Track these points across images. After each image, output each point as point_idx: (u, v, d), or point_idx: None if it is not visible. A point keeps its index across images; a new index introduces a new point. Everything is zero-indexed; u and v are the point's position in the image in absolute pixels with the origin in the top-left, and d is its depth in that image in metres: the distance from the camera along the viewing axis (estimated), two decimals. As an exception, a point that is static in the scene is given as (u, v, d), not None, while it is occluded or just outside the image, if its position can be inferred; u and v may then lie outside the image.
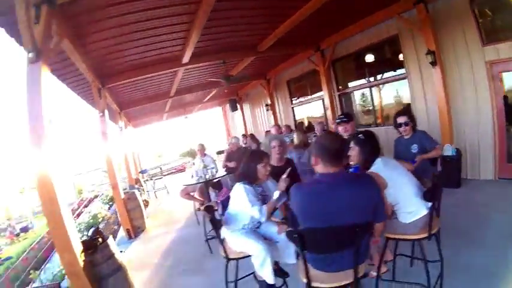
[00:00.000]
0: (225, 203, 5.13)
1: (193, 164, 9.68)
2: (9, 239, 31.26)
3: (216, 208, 5.85)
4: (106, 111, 9.72)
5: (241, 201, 4.17)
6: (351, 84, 12.23)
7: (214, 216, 4.44)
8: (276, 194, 4.15)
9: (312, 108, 15.25)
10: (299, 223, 3.05)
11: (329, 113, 12.49)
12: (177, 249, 7.95)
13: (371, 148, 3.91)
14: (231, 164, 9.32)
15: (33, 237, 29.40)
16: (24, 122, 4.06)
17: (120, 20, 6.25)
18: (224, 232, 4.36)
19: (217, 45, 9.63)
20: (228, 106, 23.02)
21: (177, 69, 10.75)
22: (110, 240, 4.99)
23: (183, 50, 8.94)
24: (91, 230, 5.07)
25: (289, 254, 4.32)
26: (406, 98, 10.28)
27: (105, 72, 9.20)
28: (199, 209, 8.92)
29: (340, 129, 6.07)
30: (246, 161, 4.45)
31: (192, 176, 9.49)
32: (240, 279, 4.46)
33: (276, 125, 12.18)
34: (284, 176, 4.25)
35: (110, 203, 17.64)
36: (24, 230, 33.50)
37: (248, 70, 13.40)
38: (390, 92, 11.20)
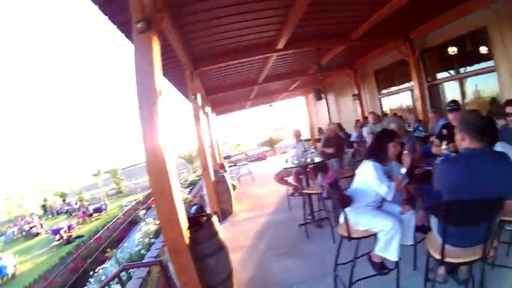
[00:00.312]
0: (331, 186, 5.08)
1: (294, 148, 9.41)
2: (81, 218, 32.50)
3: (320, 192, 6.22)
4: (198, 95, 9.71)
5: (369, 178, 4.15)
6: (439, 76, 11.65)
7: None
8: (403, 170, 4.17)
9: (399, 99, 14.75)
10: (442, 197, 3.15)
11: (419, 104, 11.87)
12: (269, 233, 7.91)
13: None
14: (329, 150, 9.07)
15: (105, 218, 30.55)
16: (133, 93, 3.99)
17: (220, 1, 6.12)
18: (346, 211, 4.23)
19: (312, 32, 9.33)
20: (311, 96, 22.75)
21: (271, 55, 10.52)
22: (214, 219, 4.90)
23: (279, 35, 8.69)
24: (194, 208, 4.94)
25: (409, 235, 4.28)
26: (491, 92, 9.86)
27: (199, 56, 9.14)
28: (292, 194, 9.00)
29: (451, 116, 6.21)
30: (376, 139, 4.50)
31: (287, 161, 9.35)
32: (350, 261, 4.23)
33: (373, 112, 11.79)
34: (406, 151, 4.31)
35: (190, 187, 18.39)
36: (98, 210, 34.80)
37: (336, 59, 13.06)
38: (476, 85, 10.63)
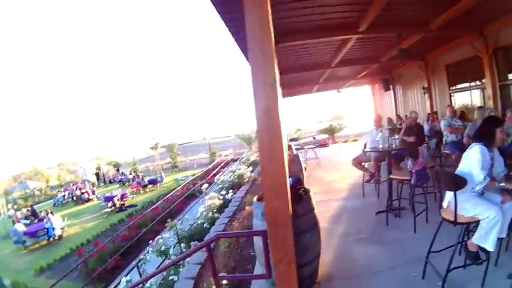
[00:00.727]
0: (419, 173, 5.50)
1: (380, 131, 9.15)
2: (135, 188, 32.92)
3: (409, 178, 6.16)
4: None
5: (473, 161, 4.09)
6: (510, 76, 11.14)
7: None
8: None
9: (469, 97, 14.23)
10: None
11: (490, 103, 11.36)
12: (345, 218, 7.72)
13: None
14: (410, 139, 8.72)
15: (160, 190, 30.82)
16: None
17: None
18: (451, 195, 4.13)
19: (394, 17, 9.01)
20: (377, 85, 22.32)
21: (350, 37, 10.15)
22: (311, 193, 4.71)
23: (363, 17, 8.40)
24: (291, 179, 4.62)
25: (504, 227, 4.06)
26: None
27: (283, 30, 8.78)
28: (368, 181, 8.90)
29: None
30: (485, 124, 4.35)
31: (365, 146, 9.31)
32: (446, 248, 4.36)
33: (450, 106, 11.43)
34: None
35: (251, 166, 19.07)
36: (153, 182, 34.86)
37: (410, 49, 12.63)
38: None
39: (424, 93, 16.11)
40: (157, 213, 18.26)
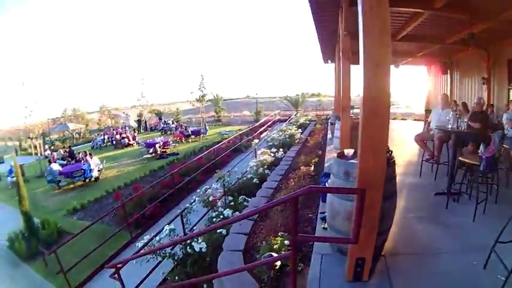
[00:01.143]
0: (488, 160, 5.56)
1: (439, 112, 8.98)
2: (177, 138, 33.01)
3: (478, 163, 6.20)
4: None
5: None
6: None
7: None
8: None
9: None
10: None
11: None
12: (403, 194, 7.43)
13: None
14: (476, 125, 8.46)
15: (203, 142, 31.23)
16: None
17: None
18: None
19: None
20: (434, 67, 21.82)
21: (423, 12, 9.93)
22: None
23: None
24: None
25: None
26: None
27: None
28: (427, 160, 8.69)
29: None
30: None
31: (429, 125, 9.20)
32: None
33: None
34: None
35: (300, 128, 19.66)
36: (196, 133, 34.98)
37: (476, 36, 12.25)
38: None
39: (483, 83, 15.69)
40: (201, 164, 18.17)
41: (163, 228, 8.38)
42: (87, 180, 22.13)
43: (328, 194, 5.11)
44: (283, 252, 5.44)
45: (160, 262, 8.25)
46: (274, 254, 5.27)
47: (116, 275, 6.64)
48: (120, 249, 11.59)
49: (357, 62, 4.06)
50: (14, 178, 24.76)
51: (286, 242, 5.78)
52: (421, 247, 5.11)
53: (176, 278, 7.66)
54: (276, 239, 6.01)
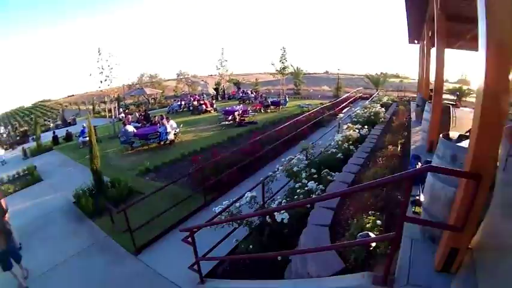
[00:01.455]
0: None
1: None
2: (256, 107, 32.48)
3: None
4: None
5: None
6: None
7: None
8: None
9: None
10: None
11: None
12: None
13: None
14: None
15: (282, 113, 30.60)
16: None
17: None
18: None
19: None
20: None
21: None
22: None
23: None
24: None
25: None
26: None
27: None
28: None
29: None
30: None
31: None
32: None
33: None
34: None
35: (384, 107, 18.79)
36: (276, 104, 34.52)
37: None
38: None
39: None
40: (282, 134, 17.68)
41: (243, 194, 8.05)
42: (162, 143, 22.30)
43: (428, 177, 4.73)
44: (376, 233, 5.02)
45: (235, 229, 7.95)
46: (372, 234, 4.82)
47: (190, 239, 6.40)
48: (192, 213, 11.31)
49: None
50: (86, 138, 25.60)
51: (378, 221, 5.41)
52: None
53: (250, 247, 7.38)
54: (368, 218, 5.62)
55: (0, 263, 8.36)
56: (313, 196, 7.99)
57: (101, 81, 28.84)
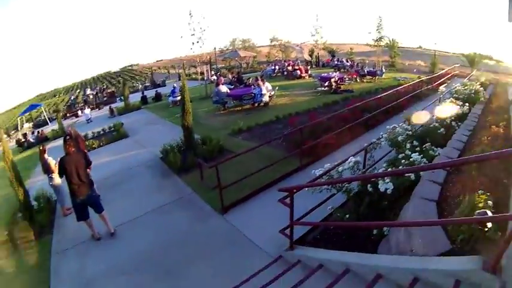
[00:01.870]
0: None
1: None
2: (352, 76, 31.01)
3: None
4: None
5: None
6: None
7: None
8: None
9: None
10: None
11: None
12: None
13: None
14: None
15: (377, 84, 29.52)
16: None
17: None
18: None
19: None
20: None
21: None
22: None
23: None
24: None
25: None
26: None
27: None
28: None
29: None
30: None
31: None
32: None
33: None
34: None
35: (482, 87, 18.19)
36: (372, 74, 33.10)
37: None
38: None
39: None
40: (380, 104, 17.03)
41: (346, 159, 7.59)
42: (256, 104, 22.05)
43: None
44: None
45: (332, 195, 7.50)
46: (489, 213, 4.26)
47: (288, 200, 6.05)
48: (286, 175, 10.70)
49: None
50: (177, 97, 26.82)
51: (490, 202, 4.78)
52: None
53: (346, 216, 6.88)
54: (481, 196, 4.94)
55: (77, 212, 8.60)
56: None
57: (193, 43, 28.88)
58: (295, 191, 6.03)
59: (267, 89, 22.24)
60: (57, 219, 10.91)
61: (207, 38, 29.36)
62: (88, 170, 8.73)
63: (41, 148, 11.07)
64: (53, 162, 10.55)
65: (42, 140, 27.11)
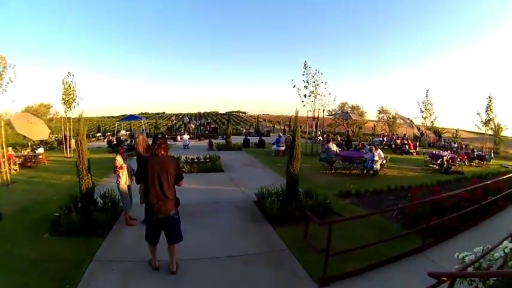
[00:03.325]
0: None
1: None
2: (461, 157, 28.82)
3: None
4: None
5: None
6: None
7: None
8: None
9: None
10: None
11: None
12: None
13: None
14: None
15: (486, 169, 27.44)
16: None
17: None
18: None
19: None
20: None
21: None
22: None
23: None
24: None
25: None
26: None
27: None
28: None
29: None
30: None
31: None
32: None
33: None
34: None
35: None
36: (481, 158, 31.00)
37: None
38: None
39: None
40: (498, 188, 15.02)
41: (499, 243, 5.64)
42: (365, 171, 20.40)
43: None
44: None
45: None
46: None
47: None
48: (404, 255, 8.11)
49: None
50: (281, 147, 27.39)
51: None
52: None
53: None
54: None
55: (148, 233, 6.82)
56: None
57: (305, 95, 28.35)
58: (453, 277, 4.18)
59: (379, 155, 20.51)
60: (116, 225, 9.94)
61: (319, 94, 28.14)
62: (178, 184, 6.83)
63: (119, 147, 10.54)
64: (121, 162, 9.91)
65: (133, 149, 26.79)
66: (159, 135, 6.86)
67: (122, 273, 6.94)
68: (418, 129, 48.83)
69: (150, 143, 7.35)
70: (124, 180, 9.80)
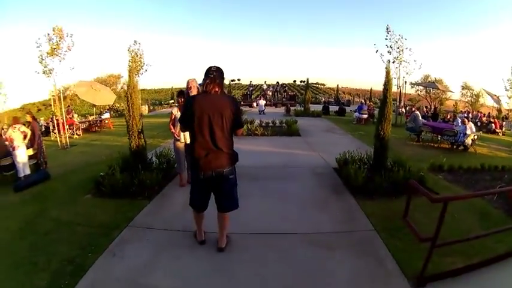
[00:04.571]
0: None
1: None
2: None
3: None
4: None
5: None
6: None
7: None
8: None
9: None
10: None
11: None
12: None
13: None
14: None
15: None
16: None
17: None
18: None
19: None
20: None
21: None
22: None
23: None
24: None
25: None
26: None
27: None
28: None
29: None
30: None
31: None
32: None
33: None
34: None
35: None
36: None
37: None
38: None
39: None
40: None
41: None
42: (454, 145, 18.14)
43: None
44: None
45: None
46: None
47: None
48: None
49: None
50: (364, 115, 26.33)
51: None
52: None
53: None
54: None
55: (193, 194, 5.23)
56: None
57: (388, 61, 25.93)
58: None
59: (471, 129, 18.15)
60: (168, 187, 8.91)
61: (404, 61, 26.22)
62: (236, 133, 4.96)
63: (179, 98, 8.88)
64: (176, 112, 8.59)
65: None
66: (213, 68, 4.76)
67: (156, 245, 5.62)
68: (500, 111, 45.88)
69: None
70: (182, 137, 8.42)
